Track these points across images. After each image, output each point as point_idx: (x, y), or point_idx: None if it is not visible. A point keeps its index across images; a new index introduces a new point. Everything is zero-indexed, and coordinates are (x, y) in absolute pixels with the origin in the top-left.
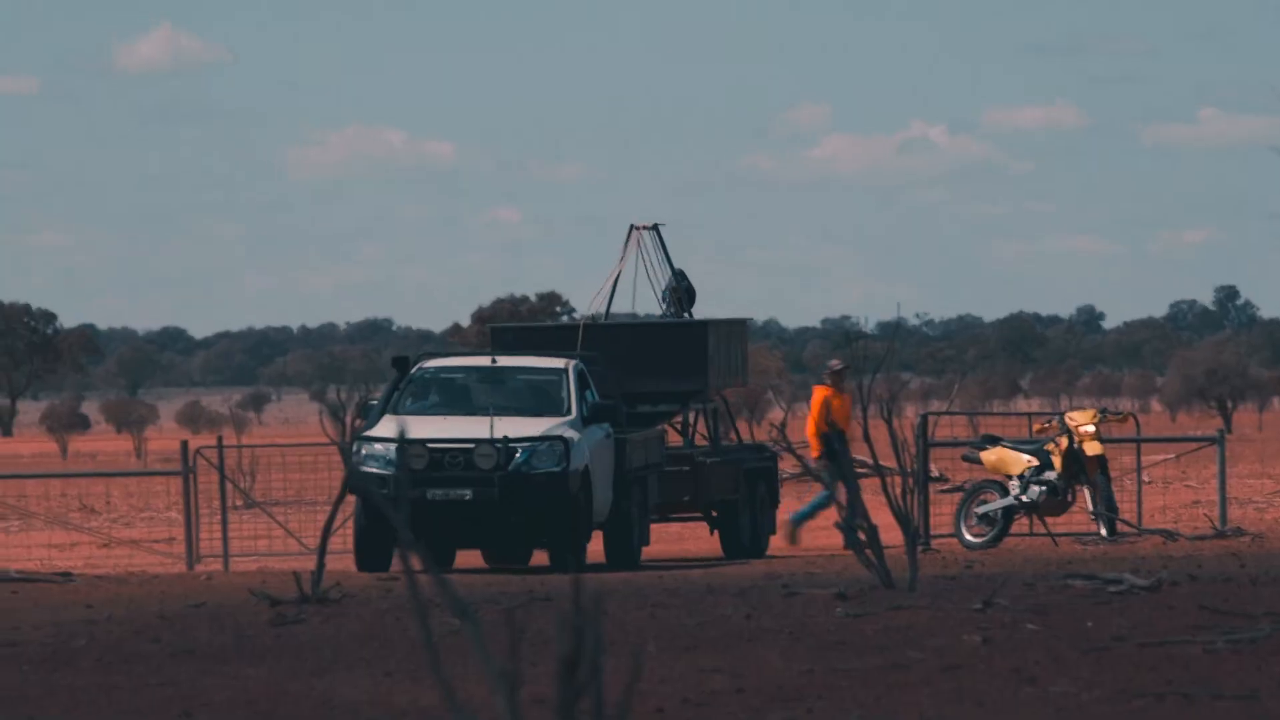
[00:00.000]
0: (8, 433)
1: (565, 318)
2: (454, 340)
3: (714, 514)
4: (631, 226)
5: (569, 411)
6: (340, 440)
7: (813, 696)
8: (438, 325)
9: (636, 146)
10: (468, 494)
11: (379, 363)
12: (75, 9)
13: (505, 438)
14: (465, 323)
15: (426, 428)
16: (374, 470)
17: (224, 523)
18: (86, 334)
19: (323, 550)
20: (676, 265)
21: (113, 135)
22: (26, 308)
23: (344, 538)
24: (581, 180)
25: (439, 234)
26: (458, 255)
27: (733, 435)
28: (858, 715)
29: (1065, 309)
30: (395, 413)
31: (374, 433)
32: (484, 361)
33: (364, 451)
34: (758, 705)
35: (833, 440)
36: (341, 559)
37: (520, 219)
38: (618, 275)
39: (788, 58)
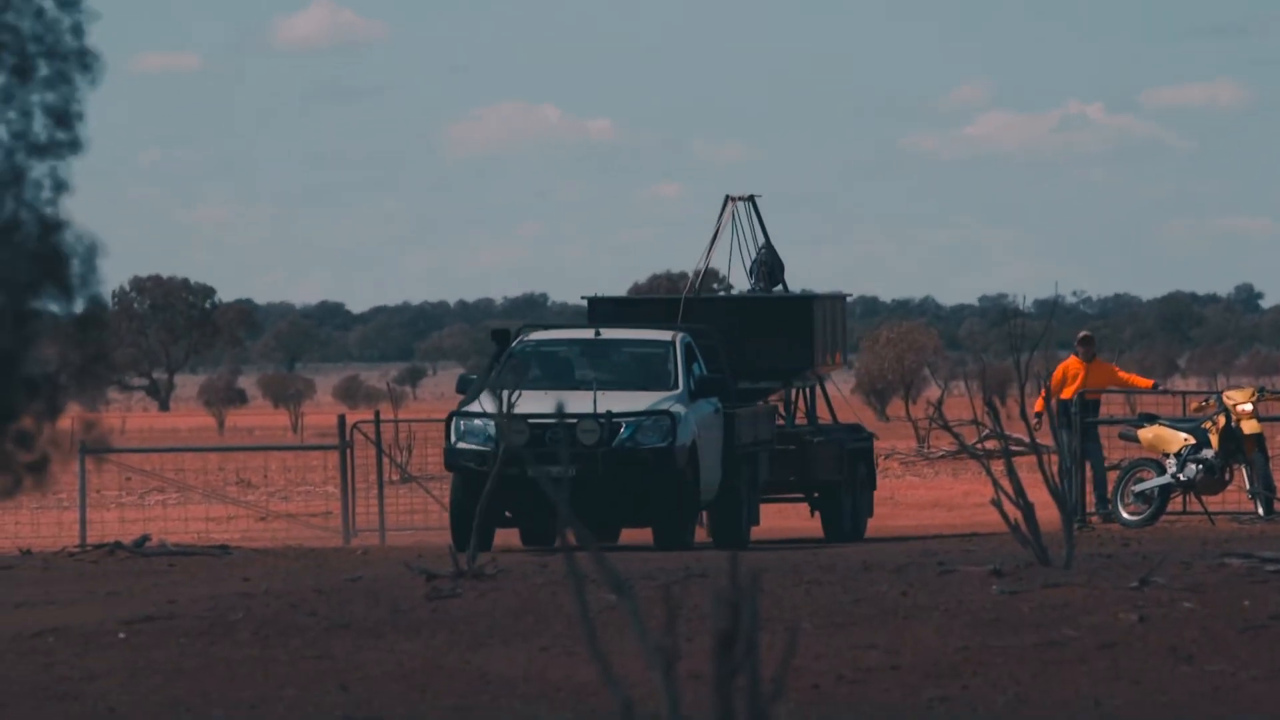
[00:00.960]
0: (166, 407)
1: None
2: None
3: (815, 495)
4: (727, 197)
5: (675, 385)
6: (498, 415)
7: (968, 674)
8: None
9: (797, 124)
10: (571, 471)
11: None
12: None
13: (609, 412)
14: None
15: (527, 403)
16: (472, 446)
17: (380, 497)
18: (245, 309)
19: (479, 522)
20: (772, 239)
21: (272, 111)
22: (186, 282)
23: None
24: (741, 158)
25: (597, 210)
26: (615, 232)
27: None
28: (1013, 693)
29: (1223, 288)
30: (496, 388)
31: (472, 408)
32: (587, 334)
33: (462, 427)
34: (913, 682)
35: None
36: (499, 534)
37: (679, 196)
38: (710, 247)
39: (949, 36)
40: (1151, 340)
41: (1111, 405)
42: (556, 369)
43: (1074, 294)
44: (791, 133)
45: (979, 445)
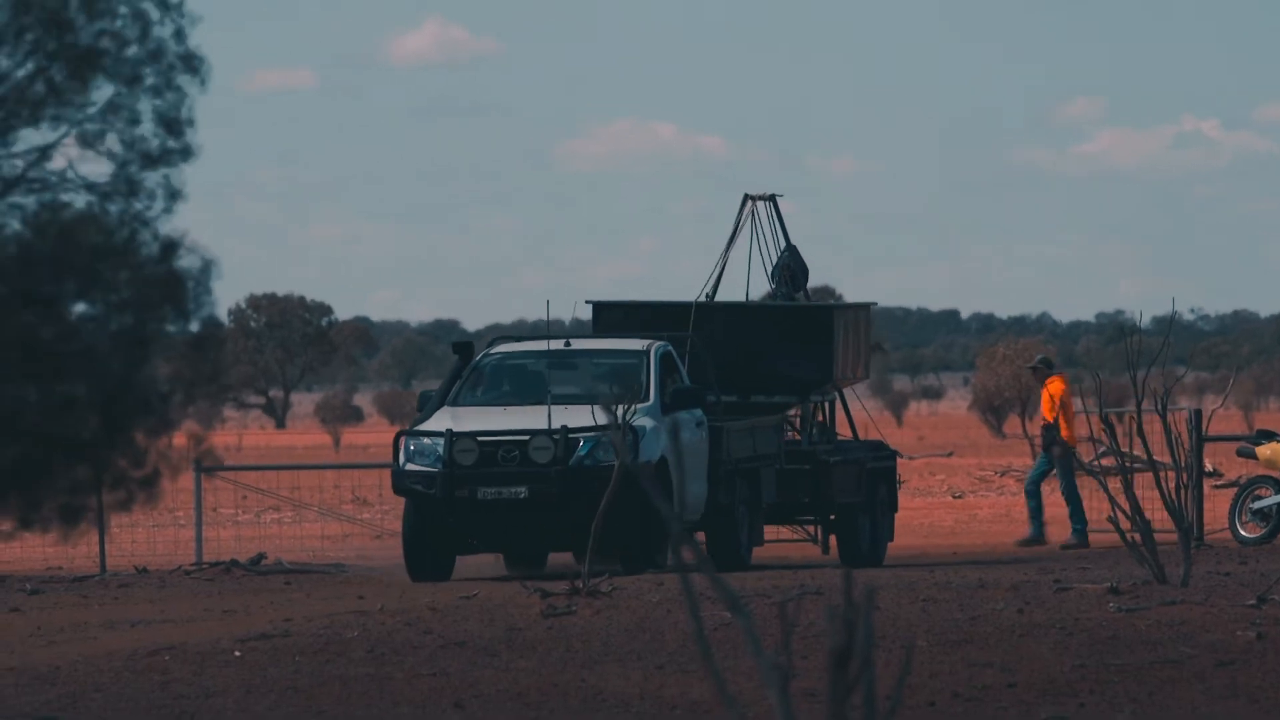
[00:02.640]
0: (282, 425)
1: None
2: None
3: (832, 518)
4: (746, 196)
5: (647, 398)
6: (616, 430)
7: (1084, 692)
8: None
9: (909, 140)
10: (523, 491)
11: None
12: (349, 3)
13: (564, 428)
14: None
15: (481, 419)
16: (421, 468)
17: None
18: (361, 326)
19: (595, 541)
20: (795, 242)
21: (386, 128)
22: (302, 300)
23: None
24: (854, 173)
25: (711, 226)
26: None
27: (847, 432)
28: (1130, 711)
29: None
30: (455, 405)
31: (425, 426)
32: (557, 344)
33: (411, 447)
34: (1029, 700)
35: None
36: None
37: (793, 212)
38: (727, 250)
39: (1061, 51)
40: (1270, 356)
41: (1231, 422)
42: (522, 383)
43: (1191, 310)
44: (903, 147)
45: (1095, 463)
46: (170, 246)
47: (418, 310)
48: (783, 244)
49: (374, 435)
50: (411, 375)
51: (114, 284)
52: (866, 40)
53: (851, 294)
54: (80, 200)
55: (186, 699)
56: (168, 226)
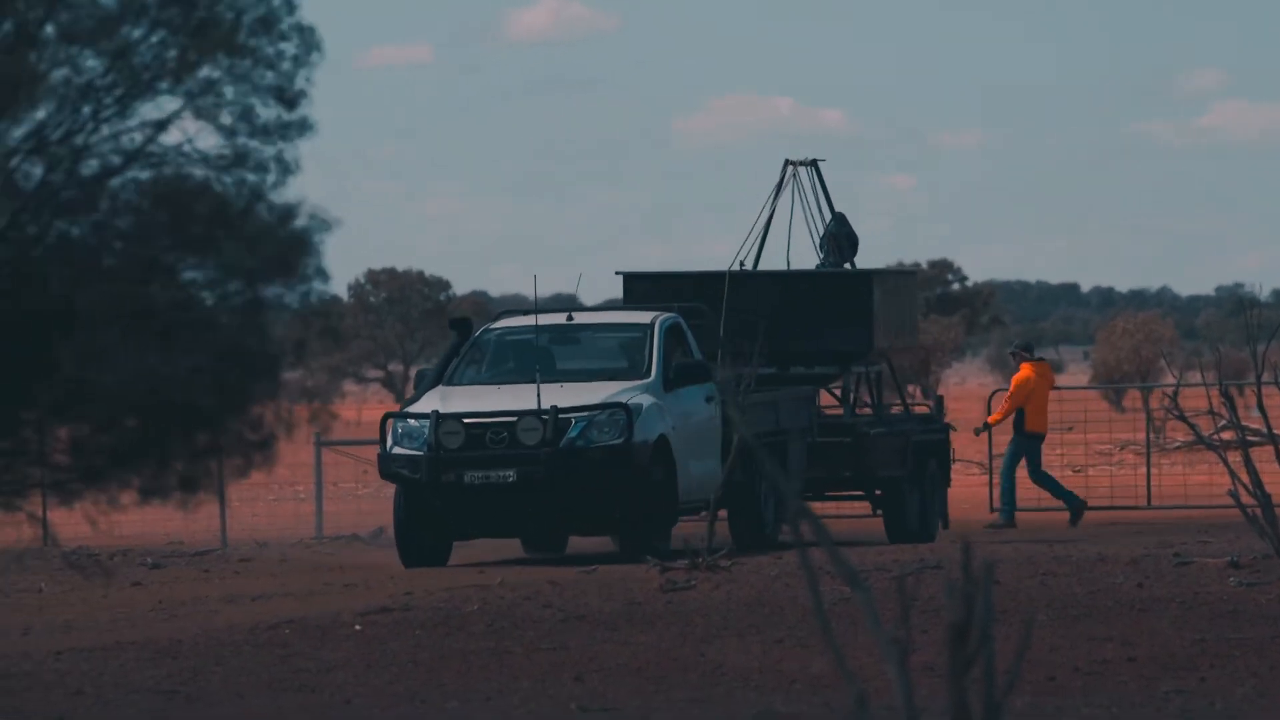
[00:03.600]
0: (401, 399)
1: (956, 285)
2: None
3: (878, 493)
4: (786, 162)
5: (648, 373)
6: (732, 405)
7: (1205, 666)
8: None
9: (1028, 113)
10: (511, 475)
11: None
12: None
13: (554, 408)
14: None
15: (472, 400)
16: (408, 452)
17: None
18: (479, 301)
19: (713, 517)
20: (840, 208)
21: (503, 103)
22: (420, 275)
23: None
24: (975, 147)
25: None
26: (850, 223)
27: (898, 404)
28: (1251, 685)
29: None
30: (450, 384)
31: (414, 408)
32: (559, 319)
33: (399, 430)
34: (1149, 674)
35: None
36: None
37: (913, 186)
38: (770, 218)
39: (1180, 23)
40: None
41: None
42: (521, 360)
43: None
44: (1022, 120)
45: (1215, 436)
46: (287, 213)
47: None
48: (828, 212)
49: None
50: None
51: (229, 252)
52: (985, 12)
53: (971, 269)
54: (197, 173)
55: (307, 673)
56: (283, 198)
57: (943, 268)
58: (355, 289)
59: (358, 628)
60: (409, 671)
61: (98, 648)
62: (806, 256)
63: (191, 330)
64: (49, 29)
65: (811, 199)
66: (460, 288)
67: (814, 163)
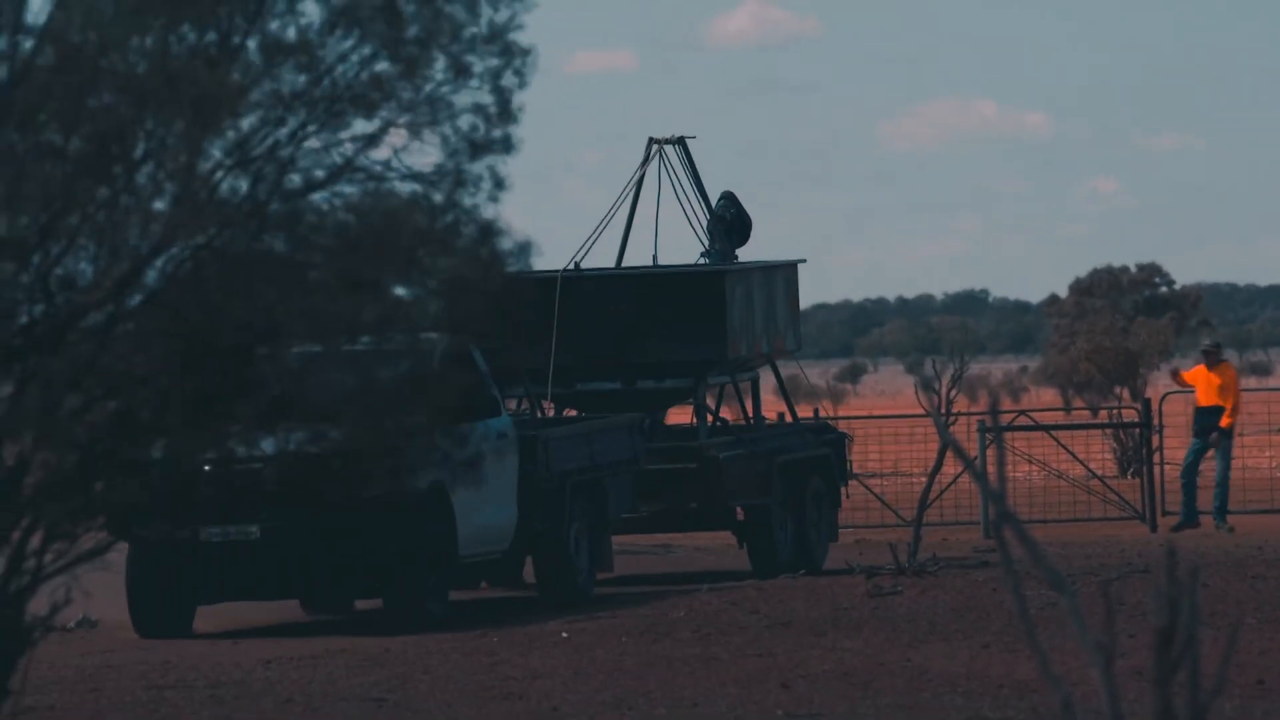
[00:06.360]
0: None
1: (1164, 288)
2: (1049, 312)
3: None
4: (650, 140)
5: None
6: (934, 411)
7: None
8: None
9: (1233, 113)
10: (255, 531)
11: (976, 334)
12: None
13: (294, 453)
14: (1062, 293)
15: None
16: None
17: None
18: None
19: (919, 522)
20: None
21: (705, 108)
22: None
23: (940, 510)
24: (1180, 149)
25: (1035, 205)
26: (1054, 226)
27: (773, 415)
28: None
29: None
30: None
31: None
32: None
33: None
34: None
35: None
36: (939, 531)
37: (1118, 189)
38: (633, 205)
39: None
40: None
41: None
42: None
43: None
44: (1226, 121)
45: None
46: (489, 230)
47: None
48: (697, 197)
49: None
50: None
51: (433, 268)
52: (1187, 12)
53: (1178, 272)
54: (405, 188)
55: (514, 680)
56: (490, 213)
57: (1151, 271)
58: None
59: (564, 635)
60: (615, 679)
61: (306, 656)
62: (688, 247)
63: (396, 345)
64: (252, 42)
65: (683, 180)
66: None
67: (681, 140)
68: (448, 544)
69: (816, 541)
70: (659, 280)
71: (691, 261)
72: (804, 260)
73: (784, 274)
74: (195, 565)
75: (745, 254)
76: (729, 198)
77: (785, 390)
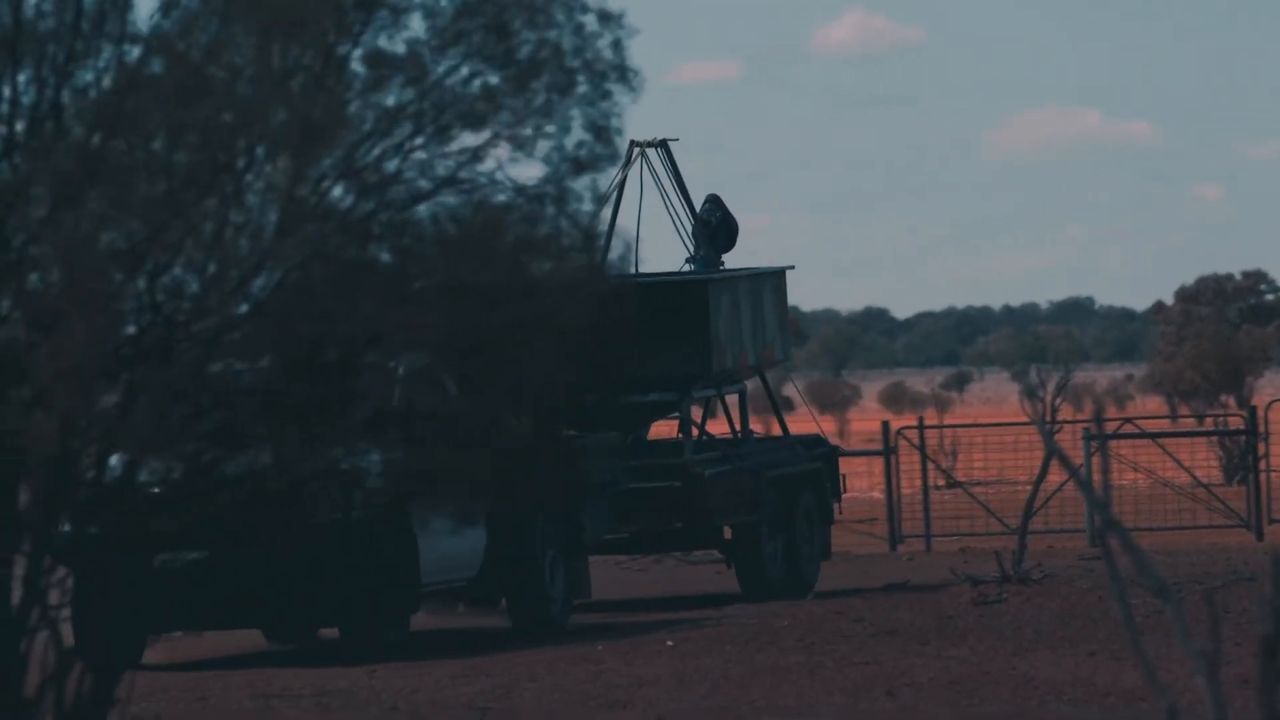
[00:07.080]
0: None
1: (1270, 296)
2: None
3: (728, 541)
4: (632, 143)
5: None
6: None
7: None
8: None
9: None
10: (203, 556)
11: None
12: None
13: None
14: (1168, 300)
15: None
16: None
17: (925, 503)
18: (791, 316)
19: (1024, 530)
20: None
21: (810, 118)
22: None
23: (1045, 518)
24: None
25: (1139, 213)
26: (1158, 234)
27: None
28: None
29: None
30: None
31: None
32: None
33: None
34: None
35: None
36: (1043, 539)
37: (1222, 197)
38: (614, 209)
39: None
40: None
41: None
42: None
43: None
44: None
45: None
46: (591, 236)
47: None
48: (680, 201)
49: (806, 424)
50: (841, 364)
51: (537, 273)
52: None
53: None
54: (507, 201)
55: (619, 688)
56: (593, 227)
57: (1257, 278)
58: None
59: (670, 643)
60: (721, 686)
61: (412, 664)
62: (673, 254)
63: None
64: (356, 56)
65: (667, 185)
66: None
67: (664, 143)
68: (408, 570)
69: (808, 560)
70: (639, 290)
71: (676, 269)
72: (792, 267)
73: (772, 281)
74: (143, 593)
75: (743, 258)
76: (714, 201)
77: (775, 402)
